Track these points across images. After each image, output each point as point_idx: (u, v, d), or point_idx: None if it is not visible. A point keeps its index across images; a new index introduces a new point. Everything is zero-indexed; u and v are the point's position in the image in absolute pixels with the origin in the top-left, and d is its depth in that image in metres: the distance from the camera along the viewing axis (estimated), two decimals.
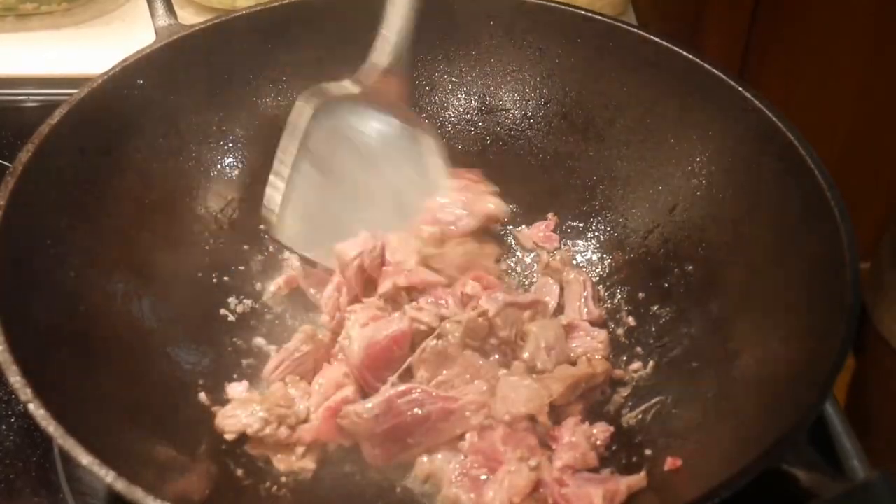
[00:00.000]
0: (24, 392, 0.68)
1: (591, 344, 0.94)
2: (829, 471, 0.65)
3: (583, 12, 1.02)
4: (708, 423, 0.84)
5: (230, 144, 1.02)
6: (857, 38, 1.76)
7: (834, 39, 1.75)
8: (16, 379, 0.68)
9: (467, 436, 0.84)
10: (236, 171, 1.02)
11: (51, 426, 0.66)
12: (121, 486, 0.66)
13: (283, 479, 0.84)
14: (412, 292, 0.93)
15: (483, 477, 0.81)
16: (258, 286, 0.99)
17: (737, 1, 1.76)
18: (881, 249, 1.33)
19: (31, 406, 0.67)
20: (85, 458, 0.66)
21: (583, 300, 0.98)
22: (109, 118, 0.93)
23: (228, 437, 0.84)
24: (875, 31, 1.74)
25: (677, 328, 0.94)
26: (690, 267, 0.95)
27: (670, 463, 0.81)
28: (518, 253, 1.06)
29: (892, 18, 1.71)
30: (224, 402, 0.89)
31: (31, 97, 1.23)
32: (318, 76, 1.04)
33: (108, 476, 0.66)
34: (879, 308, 1.28)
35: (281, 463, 0.85)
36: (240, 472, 0.84)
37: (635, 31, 1.01)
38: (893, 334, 1.29)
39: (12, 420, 0.91)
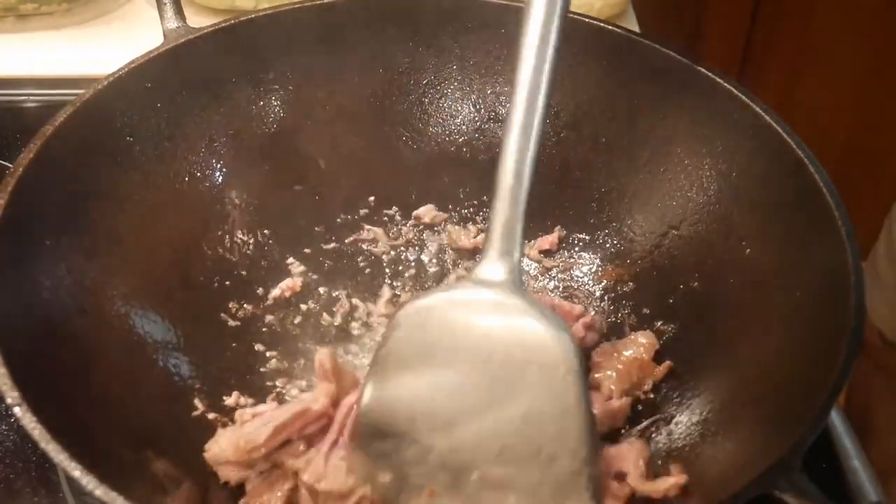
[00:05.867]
0: (12, 395, 0.67)
1: None
2: (820, 498, 0.64)
3: (594, 22, 1.01)
4: (706, 443, 0.83)
5: (236, 149, 1.01)
6: (857, 39, 1.75)
7: (834, 40, 1.75)
8: (4, 381, 0.68)
9: None
10: (242, 177, 1.01)
11: (36, 430, 0.66)
12: (107, 496, 0.65)
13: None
14: None
15: None
16: (260, 291, 0.99)
17: (737, 1, 1.76)
18: (880, 237, 1.33)
19: (17, 409, 0.67)
20: (72, 468, 0.65)
21: None
22: (114, 120, 0.92)
23: None
24: (875, 32, 1.74)
25: (680, 345, 0.92)
26: (696, 283, 0.94)
27: None
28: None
29: (892, 19, 1.70)
30: (222, 409, 0.88)
31: (30, 97, 1.23)
32: (328, 81, 1.05)
33: (98, 489, 0.65)
34: (873, 298, 1.29)
35: None
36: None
37: (647, 42, 0.99)
38: (885, 323, 1.29)
39: (12, 420, 0.91)
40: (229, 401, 0.89)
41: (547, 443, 0.71)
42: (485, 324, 0.72)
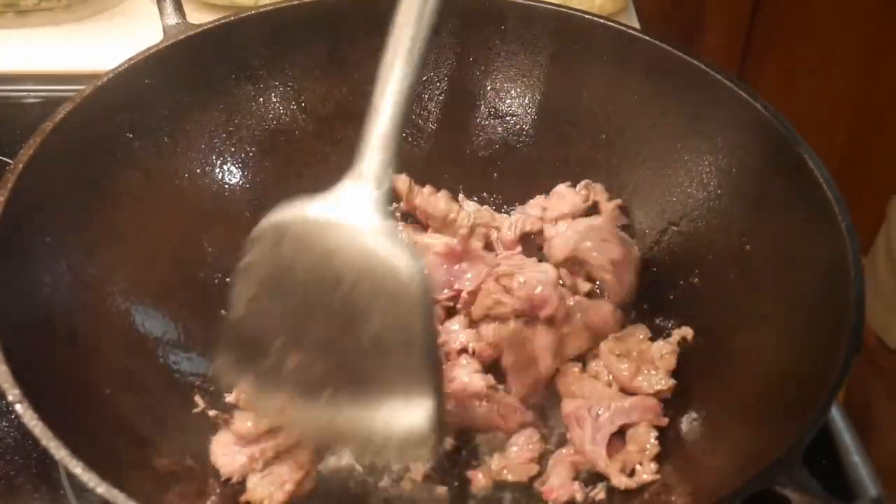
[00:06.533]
0: (13, 392, 0.67)
1: None
2: (821, 493, 0.64)
3: (595, 19, 1.01)
4: (707, 440, 0.83)
5: (237, 145, 1.02)
6: (856, 38, 1.75)
7: (834, 39, 1.74)
8: (5, 379, 0.68)
9: None
10: (242, 173, 1.02)
11: (37, 428, 0.66)
12: (109, 493, 0.65)
13: None
14: None
15: None
16: None
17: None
18: (877, 241, 1.33)
19: (18, 407, 0.67)
20: (73, 465, 0.65)
21: None
22: (115, 116, 0.92)
23: None
24: (875, 31, 1.74)
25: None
26: (696, 279, 0.94)
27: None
28: None
29: (891, 18, 1.70)
30: (223, 407, 0.88)
31: (31, 94, 1.22)
32: (327, 78, 1.05)
33: (99, 486, 0.65)
34: (871, 301, 1.29)
35: None
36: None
37: (648, 38, 0.99)
38: (882, 327, 1.29)
39: (13, 416, 0.91)
40: (230, 398, 0.89)
41: (391, 371, 0.72)
42: (341, 247, 0.70)
